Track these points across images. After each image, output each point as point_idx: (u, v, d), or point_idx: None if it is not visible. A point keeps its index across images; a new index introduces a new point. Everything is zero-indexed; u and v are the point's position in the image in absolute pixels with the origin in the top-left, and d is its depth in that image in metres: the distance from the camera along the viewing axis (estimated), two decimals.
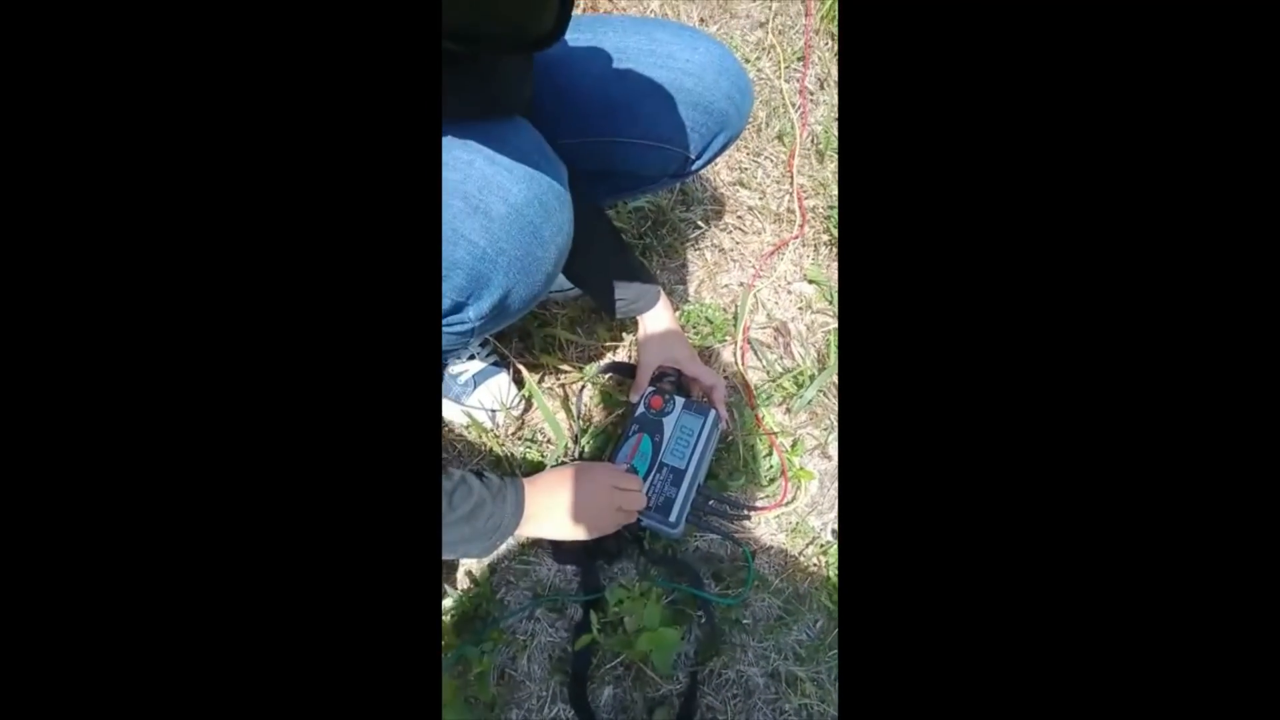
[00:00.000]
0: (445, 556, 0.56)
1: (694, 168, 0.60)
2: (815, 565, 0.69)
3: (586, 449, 0.71)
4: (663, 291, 0.68)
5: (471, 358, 0.72)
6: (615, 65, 0.54)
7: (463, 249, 0.37)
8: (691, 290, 0.84)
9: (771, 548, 0.69)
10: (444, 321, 0.42)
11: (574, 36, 0.54)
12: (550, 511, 0.56)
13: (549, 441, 0.71)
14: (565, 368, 0.75)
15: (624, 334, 0.79)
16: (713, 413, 0.68)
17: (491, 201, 0.37)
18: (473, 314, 0.41)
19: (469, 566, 0.66)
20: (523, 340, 0.77)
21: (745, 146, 0.93)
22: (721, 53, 0.55)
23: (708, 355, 0.79)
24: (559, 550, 0.66)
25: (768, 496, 0.71)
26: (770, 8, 1.05)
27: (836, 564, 0.68)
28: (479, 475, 0.52)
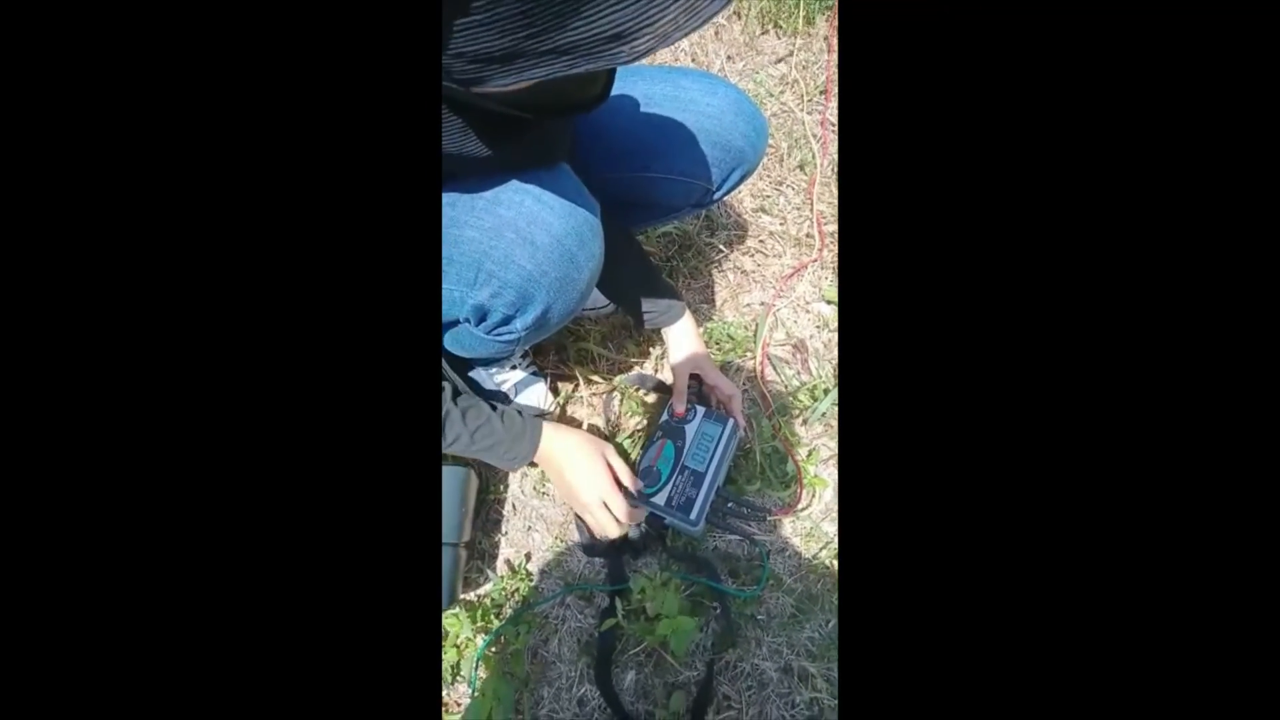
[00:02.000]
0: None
1: (714, 198, 0.68)
2: (828, 568, 0.75)
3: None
4: (688, 308, 0.77)
5: (514, 368, 0.81)
6: (644, 109, 0.63)
7: (514, 272, 0.47)
8: (715, 309, 0.92)
9: (786, 549, 0.76)
10: (495, 332, 0.51)
11: None
12: (549, 473, 0.66)
13: None
14: (596, 379, 0.84)
15: (650, 349, 0.87)
16: (731, 421, 0.75)
17: (537, 233, 0.47)
18: (519, 325, 0.50)
19: (507, 556, 0.75)
20: (558, 354, 0.87)
21: (768, 175, 1.02)
22: (738, 96, 0.64)
23: (729, 369, 0.86)
24: (589, 544, 0.74)
25: (784, 502, 0.78)
26: (794, 44, 1.14)
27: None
28: (503, 416, 0.62)
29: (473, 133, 0.41)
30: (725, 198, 0.90)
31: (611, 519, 0.66)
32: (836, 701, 0.68)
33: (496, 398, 0.80)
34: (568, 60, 0.26)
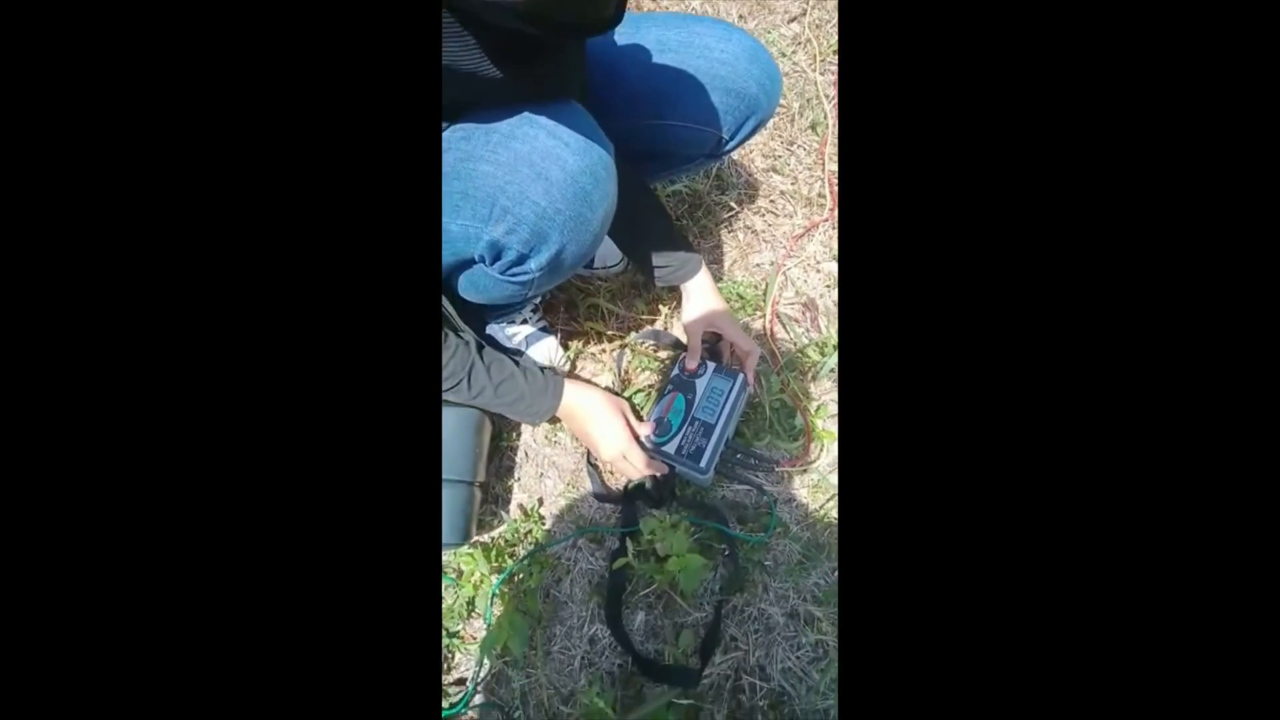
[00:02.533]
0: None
1: (727, 148, 0.69)
2: (834, 518, 0.76)
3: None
4: (704, 261, 0.77)
5: (524, 322, 0.83)
6: (657, 57, 0.64)
7: (528, 208, 0.47)
8: (725, 269, 0.93)
9: (794, 500, 0.77)
10: (510, 272, 0.52)
11: (621, 32, 0.64)
12: (571, 427, 0.69)
13: None
14: (608, 334, 0.85)
15: (660, 307, 0.89)
16: (741, 376, 0.77)
17: (551, 169, 0.47)
18: (533, 265, 0.51)
19: (520, 501, 0.77)
20: (568, 310, 0.88)
21: (779, 135, 1.02)
22: (752, 43, 0.65)
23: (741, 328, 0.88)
24: (601, 491, 0.76)
25: (792, 454, 0.79)
26: (807, 4, 1.13)
27: None
28: (525, 372, 0.65)
29: (483, 51, 0.41)
30: (737, 150, 0.90)
31: (632, 469, 0.71)
32: None
33: (513, 356, 0.81)
34: None
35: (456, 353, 0.63)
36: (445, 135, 0.49)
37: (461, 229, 0.49)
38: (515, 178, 0.47)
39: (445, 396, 0.64)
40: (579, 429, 0.71)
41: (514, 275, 0.53)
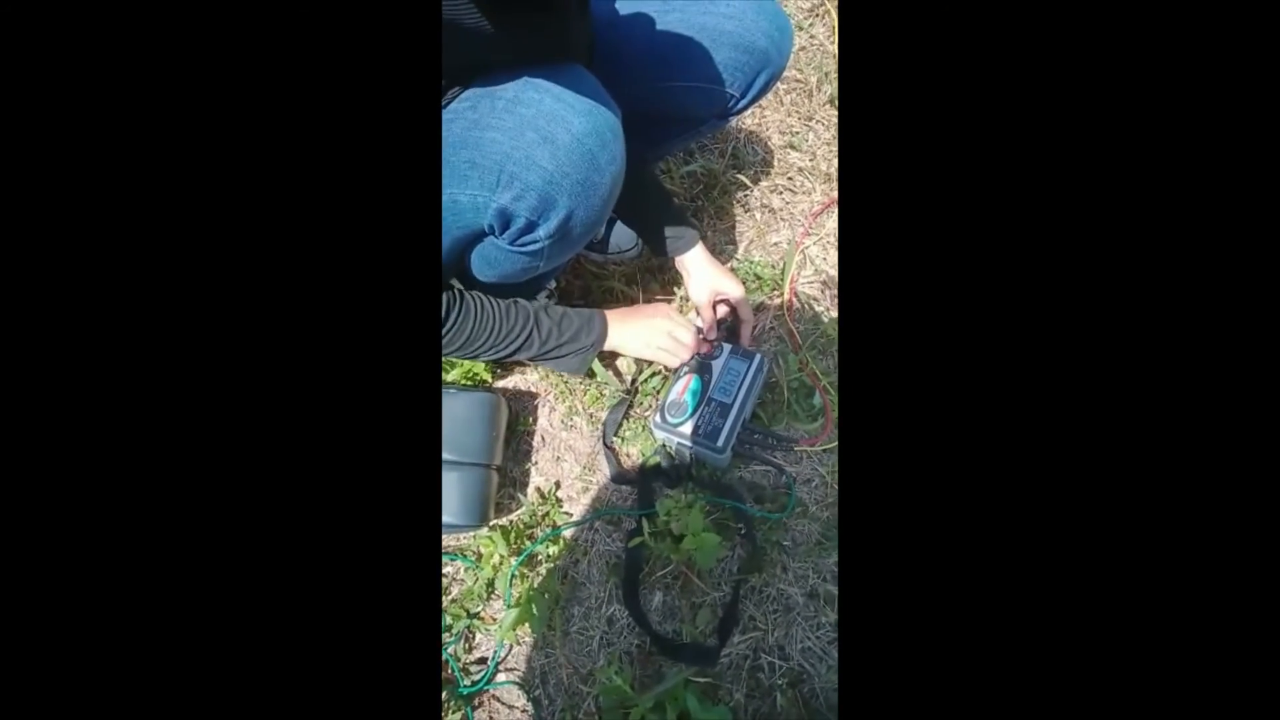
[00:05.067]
0: (554, 368, 0.78)
1: (739, 106, 0.69)
2: None
3: (642, 391, 0.83)
4: (699, 234, 0.80)
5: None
6: (661, 19, 0.64)
7: (535, 173, 0.49)
8: (741, 249, 0.94)
9: (813, 480, 0.78)
10: (519, 242, 0.55)
11: None
12: (623, 334, 0.74)
13: (608, 381, 0.84)
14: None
15: (675, 288, 0.90)
16: (759, 357, 0.78)
17: (558, 132, 0.48)
18: (542, 233, 0.53)
19: (538, 484, 0.80)
20: (583, 296, 0.90)
21: (797, 111, 1.02)
22: None
23: (756, 306, 0.89)
24: (618, 473, 0.78)
25: (811, 434, 0.80)
26: None
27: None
28: (565, 311, 0.71)
29: (474, 3, 0.42)
30: (754, 125, 0.90)
31: (682, 346, 0.74)
32: None
33: None
34: None
35: (516, 310, 0.66)
36: (453, 105, 0.51)
37: (470, 199, 0.51)
38: (521, 143, 0.48)
39: (519, 355, 0.68)
40: (624, 333, 0.74)
41: (523, 245, 0.55)
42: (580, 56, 0.55)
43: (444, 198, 0.51)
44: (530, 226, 0.52)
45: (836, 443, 0.80)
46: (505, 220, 0.51)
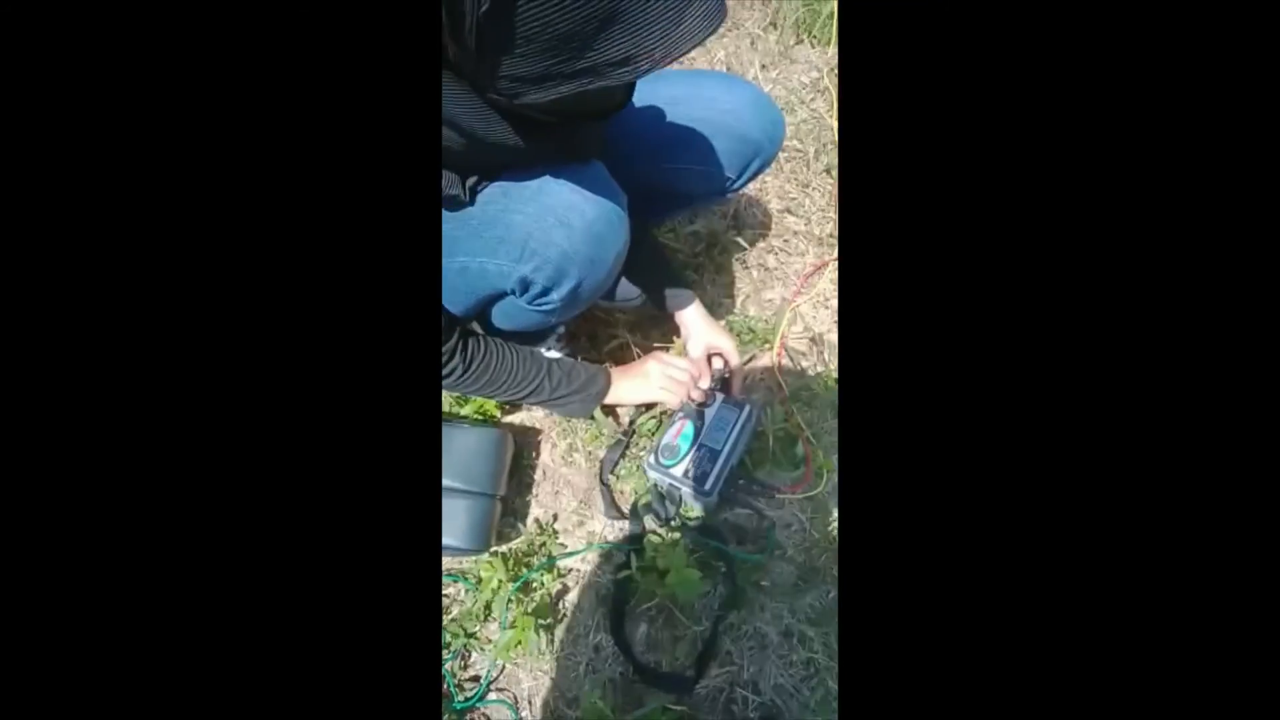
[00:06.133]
0: (561, 413, 0.88)
1: (735, 187, 0.80)
2: (831, 543, 0.84)
3: (639, 432, 0.91)
4: (695, 296, 0.89)
5: (549, 350, 0.94)
6: (669, 110, 0.75)
7: (553, 250, 0.59)
8: (738, 304, 1.03)
9: (792, 524, 0.85)
10: (535, 302, 0.64)
11: (636, 92, 0.75)
12: (624, 387, 0.84)
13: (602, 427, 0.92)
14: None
15: (674, 338, 0.99)
16: (748, 407, 0.86)
17: (573, 218, 0.59)
18: (555, 296, 0.62)
19: (537, 515, 0.87)
20: (589, 340, 0.99)
21: (795, 178, 1.12)
22: (756, 93, 0.76)
23: (748, 358, 0.97)
24: (610, 507, 0.85)
25: (793, 481, 0.87)
26: (827, 55, 1.24)
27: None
28: (573, 365, 0.80)
29: (508, 126, 0.52)
30: (754, 193, 1.00)
31: (678, 383, 0.83)
32: (831, 663, 0.77)
33: None
34: (587, 79, 0.37)
35: (531, 359, 0.75)
36: (486, 191, 0.61)
37: (498, 267, 0.61)
38: (542, 225, 0.58)
39: (531, 399, 0.77)
40: (626, 385, 0.84)
41: (539, 305, 0.64)
42: (594, 149, 0.65)
43: (475, 264, 0.60)
44: (546, 291, 0.61)
45: (815, 490, 0.87)
46: (525, 285, 0.61)
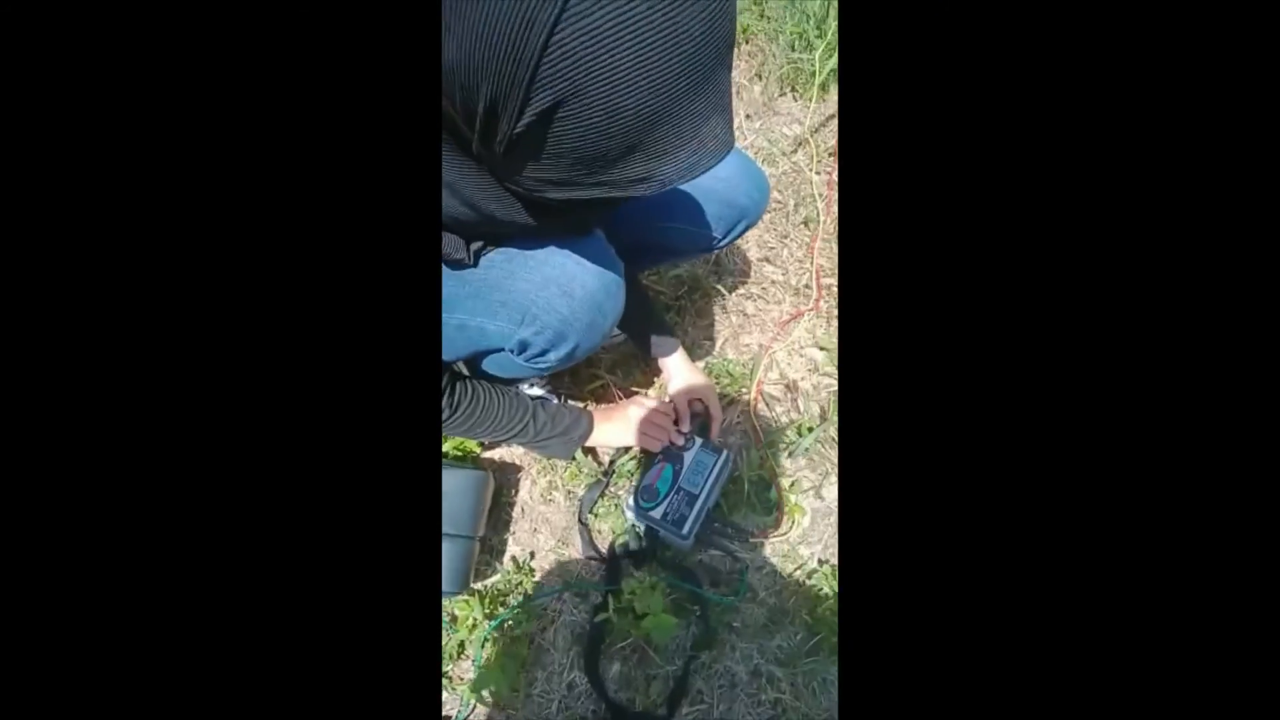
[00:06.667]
0: (542, 454, 0.90)
1: (719, 245, 0.86)
2: (801, 586, 0.88)
3: (618, 472, 0.94)
4: (680, 343, 0.93)
5: (532, 385, 0.96)
6: None
7: (554, 317, 0.62)
8: (717, 347, 1.07)
9: (765, 567, 0.89)
10: (532, 360, 0.66)
11: None
12: (606, 430, 0.87)
13: (582, 466, 0.94)
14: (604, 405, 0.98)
15: (654, 378, 1.02)
16: (726, 452, 0.89)
17: (575, 288, 0.62)
18: (552, 357, 0.65)
19: (514, 553, 0.88)
20: (572, 376, 1.01)
21: (774, 229, 1.17)
22: (745, 161, 0.81)
23: (724, 401, 1.01)
24: (588, 546, 0.88)
25: (766, 525, 0.91)
26: (809, 108, 1.31)
27: (821, 588, 0.87)
28: (559, 408, 0.83)
29: (521, 207, 0.55)
30: (730, 245, 1.05)
31: (659, 428, 0.87)
32: (797, 703, 0.81)
33: None
34: (606, 189, 0.40)
35: (517, 402, 0.77)
36: (490, 256, 0.63)
37: (498, 329, 0.63)
38: (545, 293, 0.61)
39: (515, 440, 0.79)
40: (608, 429, 0.87)
41: (535, 363, 0.67)
42: (597, 224, 0.68)
43: (474, 323, 0.63)
44: (544, 352, 0.64)
45: (786, 534, 0.91)
46: (524, 346, 0.63)
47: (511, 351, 0.65)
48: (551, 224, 0.58)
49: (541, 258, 0.62)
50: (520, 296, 0.61)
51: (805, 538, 0.91)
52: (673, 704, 0.79)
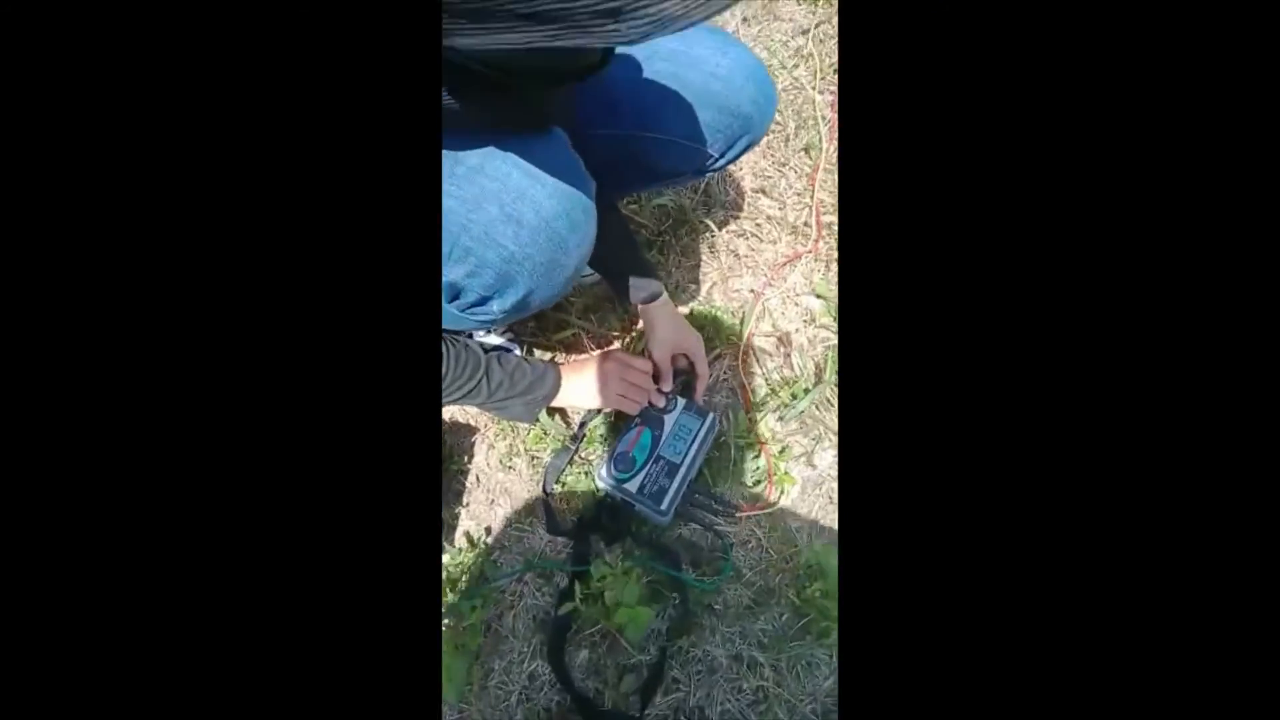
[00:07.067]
0: (499, 416, 0.78)
1: (715, 166, 0.68)
2: (787, 564, 0.80)
3: (590, 434, 0.82)
4: (664, 288, 0.78)
5: (488, 333, 0.81)
6: (647, 64, 0.62)
7: (494, 251, 0.46)
8: (703, 291, 0.94)
9: (749, 543, 0.80)
10: (469, 311, 0.51)
11: None
12: (576, 388, 0.75)
13: (547, 429, 0.81)
14: (576, 356, 0.85)
15: (634, 327, 0.89)
16: (711, 416, 0.78)
17: (524, 211, 0.45)
18: (496, 308, 0.50)
19: (467, 528, 0.77)
20: (537, 322, 0.87)
21: (771, 155, 1.02)
22: (751, 60, 0.64)
23: (712, 355, 0.89)
24: (552, 521, 0.77)
25: (752, 497, 0.82)
26: (815, 13, 1.13)
27: (810, 565, 0.79)
28: (520, 363, 0.69)
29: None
30: (726, 168, 0.90)
31: (637, 389, 0.76)
32: (780, 690, 0.74)
33: None
34: (550, 30, 0.23)
35: (467, 355, 0.62)
36: None
37: None
38: (480, 216, 0.45)
39: (464, 401, 0.65)
40: (575, 387, 0.75)
41: (474, 314, 0.52)
42: (559, 119, 0.51)
43: None
44: (483, 300, 0.49)
45: (774, 508, 0.82)
46: (455, 293, 0.48)
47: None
48: (482, 105, 0.40)
49: (476, 164, 0.45)
50: (447, 219, 0.44)
51: (794, 510, 0.83)
52: (646, 694, 0.71)
